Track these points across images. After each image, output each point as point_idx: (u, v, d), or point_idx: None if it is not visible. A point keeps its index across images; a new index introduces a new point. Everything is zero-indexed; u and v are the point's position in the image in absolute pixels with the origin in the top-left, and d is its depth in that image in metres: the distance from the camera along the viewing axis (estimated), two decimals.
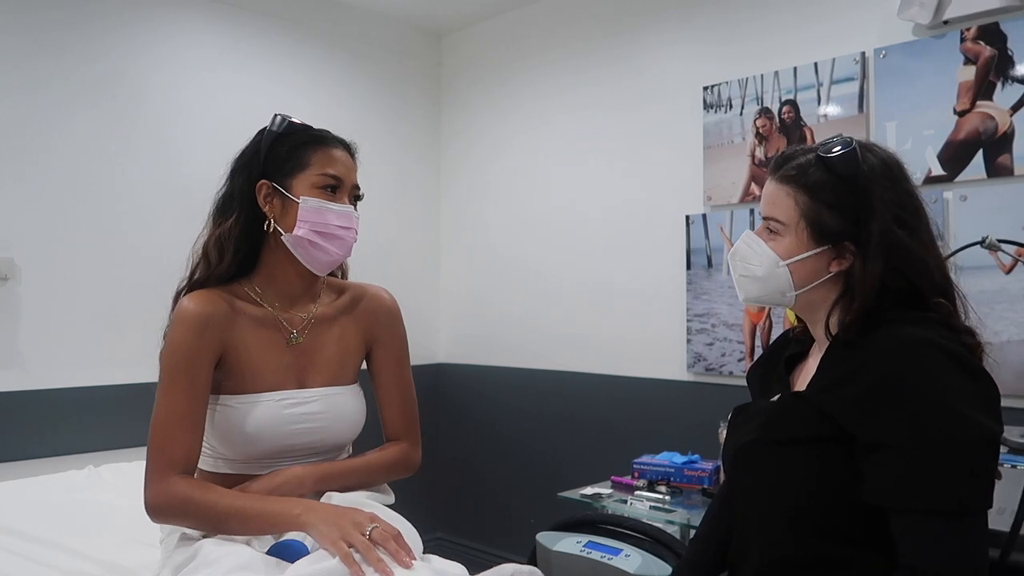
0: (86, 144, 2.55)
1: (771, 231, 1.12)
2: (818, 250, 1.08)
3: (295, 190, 1.30)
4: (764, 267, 1.12)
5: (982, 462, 0.94)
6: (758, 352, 2.49)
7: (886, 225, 1.03)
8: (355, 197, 1.38)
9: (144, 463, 1.22)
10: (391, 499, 1.42)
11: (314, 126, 1.36)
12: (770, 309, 2.46)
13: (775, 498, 1.07)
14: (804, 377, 1.15)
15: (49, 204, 2.47)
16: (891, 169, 1.08)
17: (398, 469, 1.43)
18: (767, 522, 1.09)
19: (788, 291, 1.11)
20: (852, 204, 1.06)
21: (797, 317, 1.23)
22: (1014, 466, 1.41)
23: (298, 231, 1.29)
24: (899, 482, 0.95)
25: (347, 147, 1.37)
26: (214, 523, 1.19)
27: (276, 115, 1.33)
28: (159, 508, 1.20)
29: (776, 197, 1.11)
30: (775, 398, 1.14)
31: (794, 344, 1.23)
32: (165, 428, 1.22)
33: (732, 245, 1.22)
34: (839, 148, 1.07)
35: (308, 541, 1.23)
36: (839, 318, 1.07)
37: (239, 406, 1.28)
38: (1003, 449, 1.49)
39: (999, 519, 1.14)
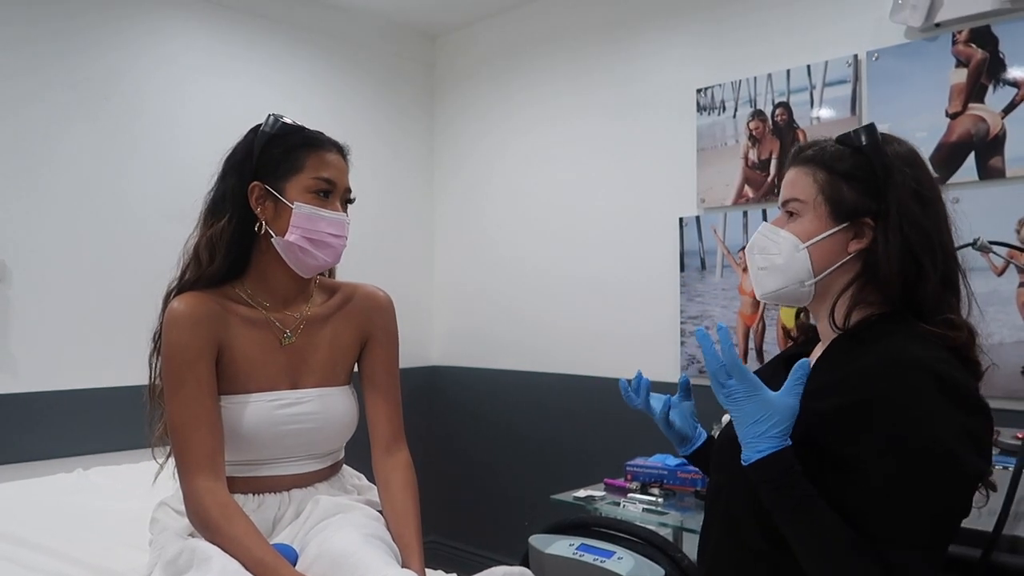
0: (78, 147, 2.54)
1: (790, 214, 1.10)
2: (837, 228, 1.05)
3: (288, 194, 1.28)
4: (784, 254, 1.08)
5: (955, 502, 0.91)
6: (752, 354, 2.50)
7: (903, 196, 1.02)
8: (346, 201, 1.37)
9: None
10: (374, 495, 1.41)
11: (307, 127, 1.35)
12: (763, 310, 2.46)
13: (743, 495, 1.05)
14: None
15: (40, 207, 2.46)
16: (913, 155, 1.09)
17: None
18: (734, 517, 1.08)
19: (807, 279, 1.07)
20: (871, 175, 1.04)
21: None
22: (1005, 467, 1.41)
23: (290, 236, 1.28)
24: (868, 509, 0.92)
25: (340, 149, 1.36)
26: (224, 549, 1.15)
27: (270, 115, 1.32)
28: (189, 513, 1.21)
29: (795, 179, 1.10)
30: None
31: (796, 346, 1.21)
32: (182, 431, 1.21)
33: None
34: (858, 128, 1.08)
35: (298, 546, 1.23)
36: (847, 306, 1.04)
37: (231, 406, 1.27)
38: (994, 451, 1.49)
39: (989, 520, 1.14)
